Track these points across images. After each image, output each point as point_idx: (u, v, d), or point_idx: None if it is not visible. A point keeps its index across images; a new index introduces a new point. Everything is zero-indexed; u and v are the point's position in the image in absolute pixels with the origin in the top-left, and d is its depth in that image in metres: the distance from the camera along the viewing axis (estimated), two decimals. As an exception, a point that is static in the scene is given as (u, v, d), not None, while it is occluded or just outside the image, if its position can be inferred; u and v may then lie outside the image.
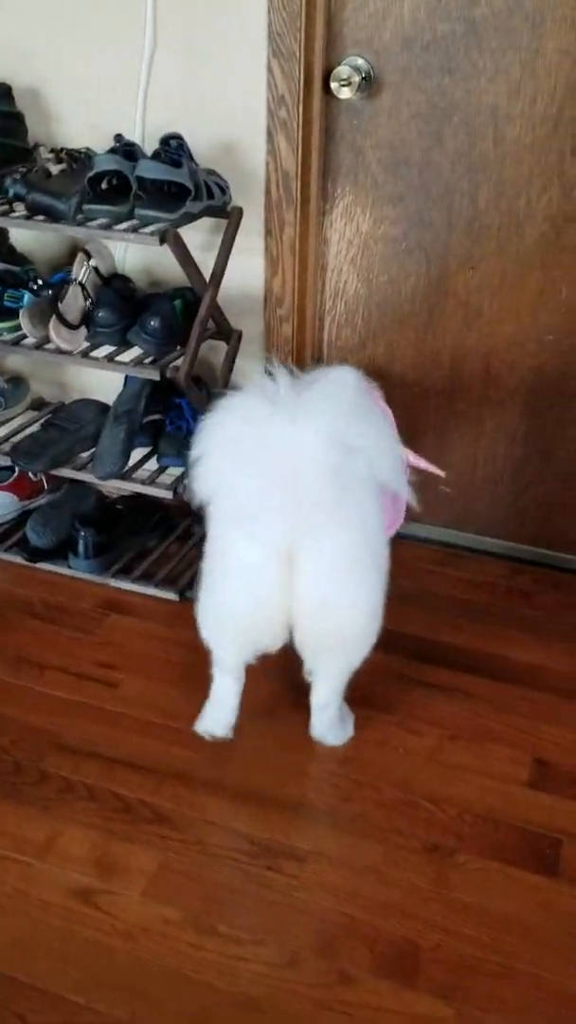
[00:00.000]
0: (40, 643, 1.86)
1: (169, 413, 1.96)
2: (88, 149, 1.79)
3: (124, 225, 1.64)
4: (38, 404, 2.20)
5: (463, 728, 1.66)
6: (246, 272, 1.93)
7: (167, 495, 1.88)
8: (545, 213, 1.78)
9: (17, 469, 2.14)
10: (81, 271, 1.83)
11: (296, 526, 1.32)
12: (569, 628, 1.93)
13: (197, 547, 2.10)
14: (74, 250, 2.05)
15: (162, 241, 1.61)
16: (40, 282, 1.84)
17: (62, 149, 1.75)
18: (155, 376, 1.73)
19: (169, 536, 2.16)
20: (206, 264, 1.82)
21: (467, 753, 1.61)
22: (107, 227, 1.64)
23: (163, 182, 1.64)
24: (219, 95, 1.81)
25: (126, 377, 2.01)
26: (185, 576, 2.03)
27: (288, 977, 1.26)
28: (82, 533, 1.99)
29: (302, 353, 2.04)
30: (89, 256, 1.86)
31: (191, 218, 1.68)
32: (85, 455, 1.95)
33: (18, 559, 2.06)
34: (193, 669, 1.78)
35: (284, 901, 1.36)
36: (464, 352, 1.95)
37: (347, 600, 1.37)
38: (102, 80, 1.87)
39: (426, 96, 1.75)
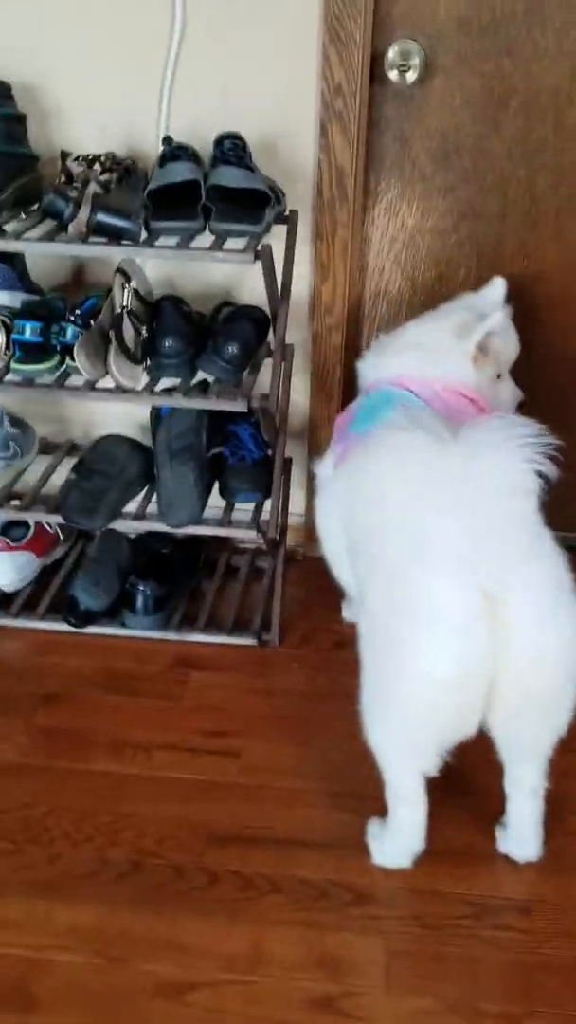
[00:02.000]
0: (130, 721, 1.68)
1: (228, 444, 1.81)
2: (129, 159, 1.60)
3: (207, 242, 1.49)
4: (44, 447, 1.98)
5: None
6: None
7: (250, 535, 1.74)
8: (606, 198, 1.78)
9: (33, 525, 1.93)
10: (124, 296, 1.64)
11: (501, 565, 1.23)
12: None
13: (253, 583, 1.99)
14: (78, 272, 1.85)
15: (257, 257, 1.47)
16: (77, 312, 1.64)
17: (101, 157, 1.56)
18: (243, 408, 1.59)
19: (214, 575, 2.01)
20: (240, 277, 1.69)
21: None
22: (183, 246, 1.48)
23: (237, 190, 1.50)
24: (257, 87, 1.67)
25: (158, 409, 1.84)
26: (255, 617, 1.90)
27: (583, 1044, 1.22)
28: (140, 587, 1.81)
29: (353, 363, 1.94)
30: (128, 277, 1.67)
31: (268, 228, 1.55)
32: (137, 500, 1.78)
33: (59, 625, 1.85)
34: (308, 721, 1.68)
35: (531, 961, 1.31)
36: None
37: (565, 639, 1.25)
38: (115, 73, 1.67)
39: (482, 80, 1.69)
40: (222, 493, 1.77)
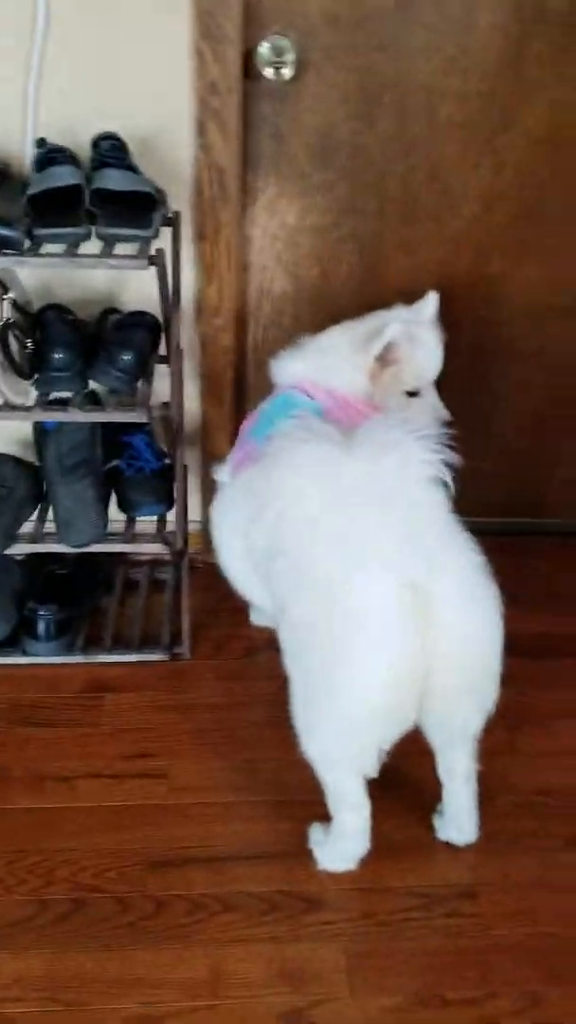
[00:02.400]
0: (45, 752, 1.62)
1: (123, 456, 1.76)
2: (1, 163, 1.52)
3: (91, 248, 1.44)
4: None
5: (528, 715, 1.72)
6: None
7: (157, 548, 1.70)
8: (478, 191, 1.83)
9: None
10: (3, 308, 1.56)
11: (424, 556, 1.24)
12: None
13: (155, 596, 1.94)
14: None
15: (152, 262, 1.43)
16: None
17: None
18: (143, 418, 1.55)
19: (113, 591, 1.96)
20: (122, 282, 1.65)
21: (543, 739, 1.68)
22: (70, 252, 1.43)
23: (123, 193, 1.45)
24: (129, 85, 1.62)
25: (42, 424, 1.77)
26: (163, 631, 1.86)
27: (543, 1017, 1.26)
28: (41, 612, 1.74)
29: (242, 364, 1.93)
30: (6, 288, 1.59)
31: (158, 231, 1.51)
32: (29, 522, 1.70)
33: (-49, 659, 1.76)
34: (232, 732, 1.67)
35: (484, 944, 1.35)
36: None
37: (490, 624, 1.29)
38: (-26, 71, 1.59)
39: (355, 76, 1.71)
40: (122, 507, 1.72)
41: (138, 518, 1.72)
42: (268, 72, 1.63)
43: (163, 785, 1.56)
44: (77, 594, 1.83)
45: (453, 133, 1.77)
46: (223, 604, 1.94)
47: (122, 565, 2.01)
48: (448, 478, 1.21)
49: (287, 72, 1.64)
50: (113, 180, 1.43)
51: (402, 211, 1.84)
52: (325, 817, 1.46)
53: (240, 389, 1.96)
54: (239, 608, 1.93)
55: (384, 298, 1.88)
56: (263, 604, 1.52)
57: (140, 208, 1.46)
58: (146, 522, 1.75)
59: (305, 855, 1.45)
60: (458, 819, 1.45)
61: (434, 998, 1.28)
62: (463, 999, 1.28)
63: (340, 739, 1.29)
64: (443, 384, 1.64)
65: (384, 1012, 1.25)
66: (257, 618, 1.90)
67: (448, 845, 1.48)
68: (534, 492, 2.20)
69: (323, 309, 1.92)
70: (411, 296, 1.78)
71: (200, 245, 1.75)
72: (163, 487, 1.73)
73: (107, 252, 1.44)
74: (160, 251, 1.46)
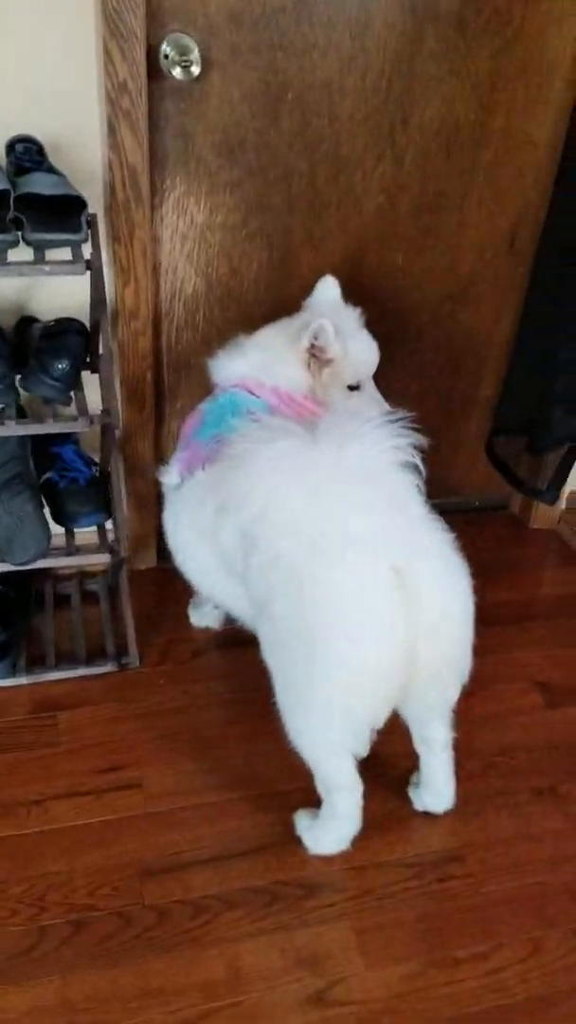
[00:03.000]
0: (8, 779, 1.57)
1: (54, 467, 1.73)
2: None
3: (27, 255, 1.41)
4: None
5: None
6: (85, 287, 1.75)
7: (103, 558, 1.68)
8: (380, 185, 1.91)
9: None
10: None
11: (402, 538, 1.30)
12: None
13: (90, 607, 1.92)
14: None
15: (88, 266, 1.42)
16: None
17: None
18: (86, 427, 1.53)
19: (44, 608, 1.92)
20: (32, 289, 1.63)
21: (491, 702, 1.78)
22: (2, 261, 1.40)
23: (51, 197, 1.44)
24: (36, 86, 1.60)
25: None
26: (107, 642, 1.84)
27: (547, 962, 1.34)
28: (-16, 636, 1.69)
29: (161, 368, 1.93)
30: None
31: (87, 234, 1.50)
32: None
33: None
34: (197, 734, 1.68)
35: (480, 901, 1.42)
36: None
37: (465, 598, 1.35)
38: None
39: (258, 74, 1.75)
40: (60, 520, 1.69)
41: (77, 530, 1.70)
42: (177, 72, 1.64)
43: (139, 795, 1.56)
44: (13, 615, 1.79)
45: (354, 129, 1.83)
46: (161, 610, 1.95)
47: (49, 580, 1.97)
48: (418, 461, 1.27)
49: (195, 70, 1.66)
50: (41, 184, 1.41)
51: (309, 206, 1.89)
52: (305, 803, 1.50)
53: (159, 393, 1.96)
54: (178, 612, 1.95)
55: (294, 294, 1.94)
56: (231, 603, 1.53)
57: (67, 212, 1.45)
58: (84, 533, 1.73)
59: (294, 843, 1.48)
60: (436, 787, 1.52)
61: (445, 958, 1.34)
62: (471, 955, 1.35)
63: (335, 723, 1.32)
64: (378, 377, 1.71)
65: (402, 979, 1.31)
66: (199, 620, 1.92)
67: (426, 814, 1.54)
68: (440, 473, 2.31)
69: (234, 308, 1.95)
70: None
71: (116, 248, 1.74)
72: (99, 496, 1.71)
73: (39, 258, 1.42)
74: (95, 255, 1.45)
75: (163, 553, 2.09)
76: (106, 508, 1.71)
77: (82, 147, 1.66)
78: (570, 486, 2.24)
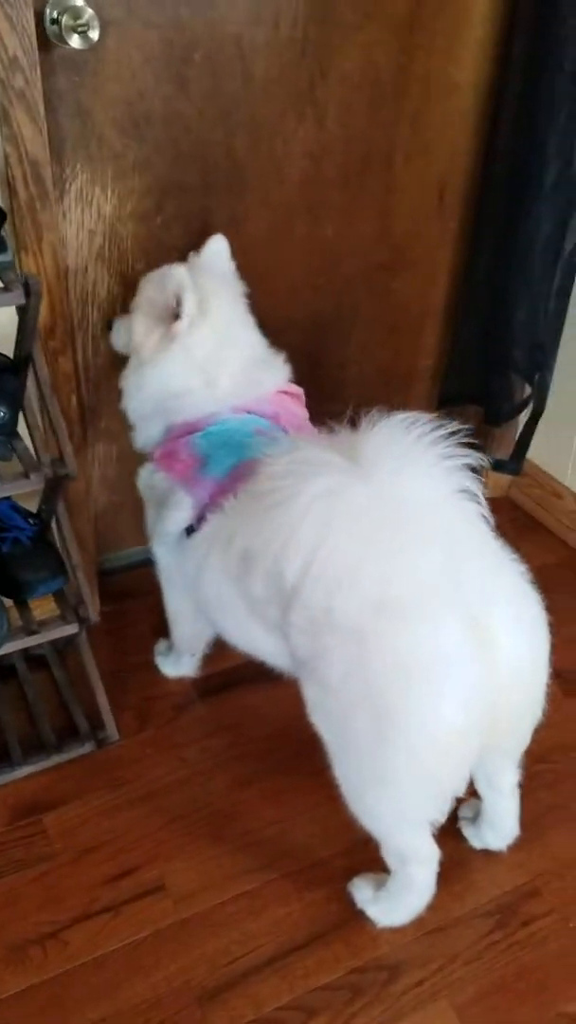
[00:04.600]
0: (8, 913, 1.35)
1: (-10, 528, 1.48)
2: None
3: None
4: None
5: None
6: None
7: (73, 629, 1.46)
8: (303, 149, 1.72)
9: None
10: None
11: (480, 584, 1.13)
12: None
13: (38, 679, 1.69)
14: None
15: (29, 291, 1.18)
16: None
17: None
18: (39, 485, 1.30)
19: (-8, 685, 1.67)
20: None
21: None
22: None
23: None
24: None
25: None
26: (75, 718, 1.62)
27: None
28: None
29: (80, 387, 1.69)
30: None
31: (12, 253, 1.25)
32: None
33: None
34: (208, 809, 1.50)
35: (569, 935, 1.34)
36: (242, 321, 1.82)
37: (543, 645, 1.20)
38: None
39: (159, 32, 1.51)
40: (9, 592, 1.45)
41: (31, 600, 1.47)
42: (75, 40, 1.39)
43: (165, 899, 1.37)
44: (-36, 707, 1.54)
45: (271, 88, 1.63)
46: (120, 663, 1.75)
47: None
48: (478, 487, 1.12)
49: (94, 35, 1.41)
50: (-47, 198, 1.15)
51: (227, 182, 1.68)
52: (351, 870, 1.38)
53: (84, 420, 1.73)
54: (141, 662, 1.75)
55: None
56: (271, 659, 1.35)
57: (-15, 228, 1.20)
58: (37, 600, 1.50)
59: (356, 919, 1.35)
60: (502, 827, 1.41)
61: (560, 1017, 1.24)
62: (583, 1006, 1.26)
63: (417, 798, 1.18)
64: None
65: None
66: (175, 669, 1.72)
67: (485, 852, 1.44)
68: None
69: (155, 306, 1.73)
70: (245, 271, 1.64)
71: (23, 258, 1.48)
72: (51, 555, 1.48)
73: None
74: (35, 276, 1.20)
75: (106, 596, 1.89)
76: (62, 568, 1.48)
77: (-32, 141, 1.39)
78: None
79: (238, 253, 1.73)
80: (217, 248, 1.57)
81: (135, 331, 1.45)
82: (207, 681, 1.71)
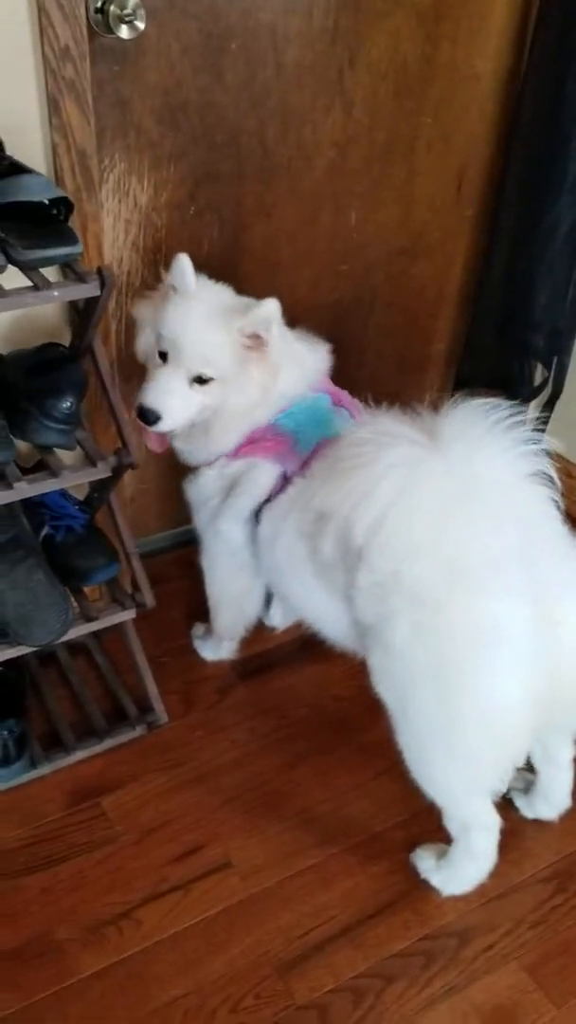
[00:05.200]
0: (79, 896, 1.37)
1: (43, 521, 1.49)
2: None
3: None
4: None
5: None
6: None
7: (131, 614, 1.48)
8: (331, 138, 1.75)
9: None
10: None
11: (545, 566, 1.17)
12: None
13: (81, 666, 1.71)
14: None
15: (104, 282, 1.20)
16: None
17: None
18: (107, 473, 1.32)
19: (32, 671, 1.69)
20: None
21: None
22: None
23: (34, 205, 1.20)
24: (-45, 60, 1.32)
25: None
26: (124, 703, 1.64)
27: None
28: (2, 732, 1.46)
29: (120, 377, 1.70)
30: None
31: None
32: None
33: None
34: (266, 786, 1.54)
35: None
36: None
37: None
38: None
39: (197, 23, 1.53)
40: (67, 580, 1.46)
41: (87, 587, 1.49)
42: (123, 31, 1.40)
43: (233, 876, 1.41)
44: (17, 700, 1.55)
45: (302, 77, 1.66)
46: (161, 648, 1.77)
47: (24, 644, 1.73)
48: (552, 471, 1.17)
49: (141, 25, 1.42)
50: (27, 189, 1.17)
51: (259, 171, 1.70)
52: (409, 840, 1.43)
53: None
54: (179, 647, 1.78)
55: (248, 271, 1.79)
56: (329, 627, 1.39)
57: (52, 219, 1.21)
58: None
59: (421, 888, 1.40)
60: (556, 798, 1.46)
61: None
62: None
63: (483, 767, 1.23)
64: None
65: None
66: (214, 653, 1.75)
67: (536, 821, 1.49)
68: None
69: (186, 295, 1.75)
70: (273, 258, 1.65)
71: (69, 248, 1.49)
72: (103, 541, 1.50)
73: (41, 282, 1.18)
74: (109, 266, 1.22)
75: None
76: (115, 554, 1.50)
77: (19, 133, 1.39)
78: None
79: (266, 243, 1.76)
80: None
81: (241, 391, 1.40)
82: (245, 664, 1.74)
